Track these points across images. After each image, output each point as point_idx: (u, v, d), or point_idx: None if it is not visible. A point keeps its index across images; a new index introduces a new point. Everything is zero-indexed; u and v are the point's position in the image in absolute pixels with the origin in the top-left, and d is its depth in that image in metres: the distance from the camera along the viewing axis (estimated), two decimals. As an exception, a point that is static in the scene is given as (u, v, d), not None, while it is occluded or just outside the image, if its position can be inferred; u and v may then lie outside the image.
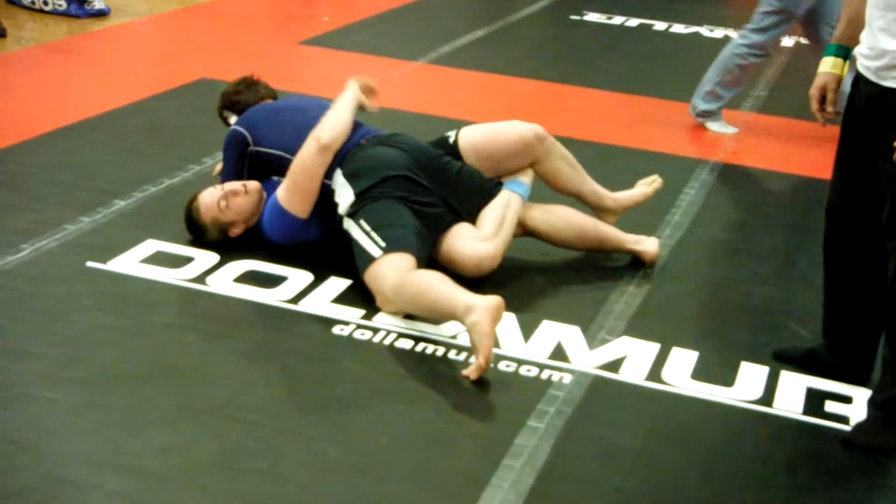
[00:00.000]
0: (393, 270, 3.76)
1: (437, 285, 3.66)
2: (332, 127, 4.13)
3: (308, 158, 4.06)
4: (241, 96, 4.61)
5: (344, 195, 4.05)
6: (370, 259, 3.84)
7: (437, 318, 3.73)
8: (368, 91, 4.37)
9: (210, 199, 4.18)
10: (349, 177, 4.06)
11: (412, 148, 4.18)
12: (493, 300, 3.49)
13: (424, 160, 4.15)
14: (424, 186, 4.07)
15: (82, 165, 4.99)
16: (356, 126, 4.27)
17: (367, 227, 3.90)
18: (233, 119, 4.56)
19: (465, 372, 3.47)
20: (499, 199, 4.20)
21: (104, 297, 3.83)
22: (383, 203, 3.97)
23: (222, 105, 4.67)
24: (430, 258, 4.01)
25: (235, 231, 4.20)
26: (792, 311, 4.05)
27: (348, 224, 3.99)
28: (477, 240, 4.06)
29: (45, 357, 3.44)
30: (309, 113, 4.25)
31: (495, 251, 4.04)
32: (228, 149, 4.34)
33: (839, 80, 3.40)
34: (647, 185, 4.57)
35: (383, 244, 3.84)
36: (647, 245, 4.31)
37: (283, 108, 4.40)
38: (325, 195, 4.09)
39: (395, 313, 3.80)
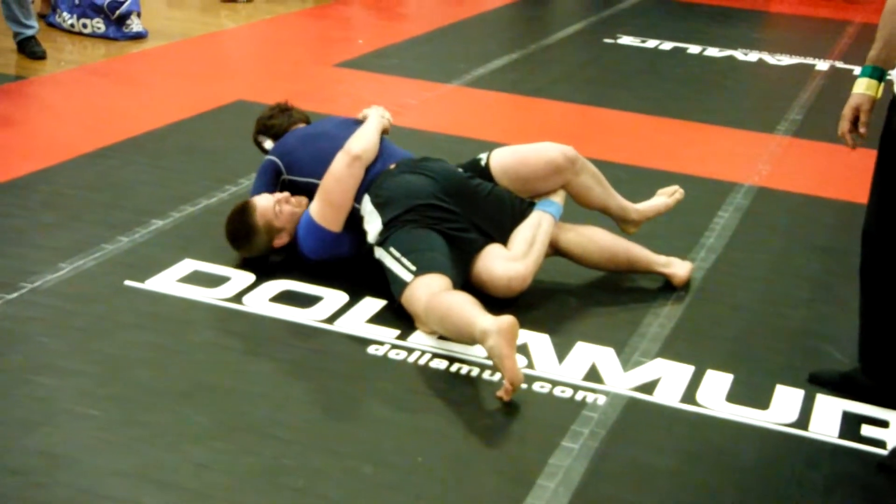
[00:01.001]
0: (424, 292, 3.78)
1: (459, 308, 3.65)
2: (361, 140, 4.20)
3: (339, 171, 4.11)
4: (274, 121, 4.67)
5: (372, 223, 4.07)
6: (403, 284, 3.86)
7: (462, 341, 3.72)
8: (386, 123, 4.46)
9: (265, 202, 4.18)
10: (377, 205, 4.08)
11: (440, 174, 4.19)
12: (505, 321, 3.47)
13: (453, 185, 4.17)
14: (453, 212, 4.09)
15: (120, 185, 5.04)
16: (385, 146, 4.30)
17: (397, 254, 3.93)
18: (267, 143, 4.62)
19: (498, 393, 3.48)
20: (530, 219, 4.22)
21: (142, 315, 3.87)
22: (411, 230, 4.00)
23: (257, 130, 4.73)
24: (464, 281, 4.03)
25: (280, 241, 4.20)
26: (828, 334, 4.04)
27: (379, 253, 4.02)
28: (507, 260, 4.07)
29: (84, 374, 3.48)
30: (340, 141, 4.27)
31: (525, 271, 4.06)
32: (261, 175, 4.38)
33: (873, 101, 3.39)
34: (668, 196, 4.61)
35: (414, 267, 3.87)
36: (678, 268, 4.32)
37: (315, 136, 4.42)
38: (355, 218, 4.13)
39: (431, 334, 3.83)
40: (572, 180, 4.37)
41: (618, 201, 4.49)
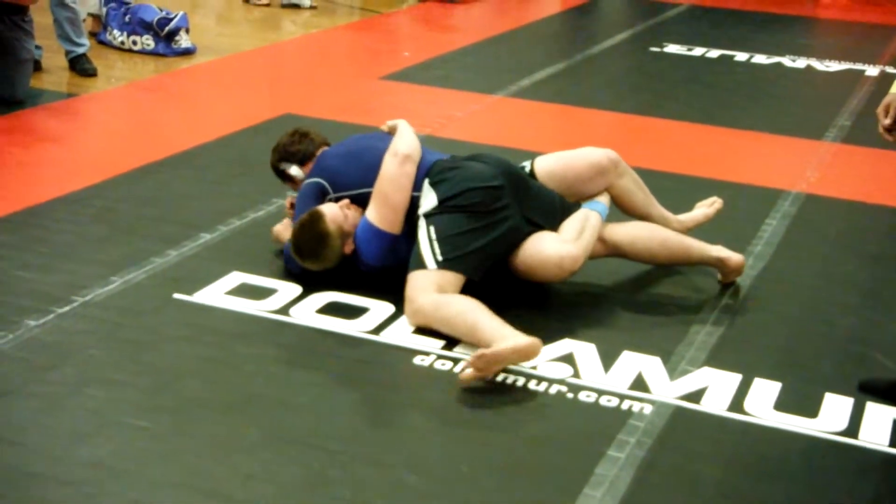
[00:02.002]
0: (437, 286, 3.89)
1: (479, 311, 3.78)
2: (405, 140, 4.25)
3: (393, 172, 4.15)
4: (297, 146, 4.58)
5: (428, 198, 4.12)
6: (422, 266, 3.94)
7: (467, 340, 3.78)
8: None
9: (332, 208, 4.15)
10: (434, 184, 4.13)
11: (497, 162, 4.25)
12: (530, 341, 3.62)
13: (509, 174, 4.21)
14: (506, 198, 4.11)
15: (170, 199, 5.10)
16: (425, 149, 4.34)
17: (434, 236, 3.99)
18: (293, 170, 4.55)
19: (465, 373, 3.57)
20: (577, 213, 4.26)
21: (191, 328, 3.91)
22: (459, 218, 4.03)
23: (279, 159, 4.61)
24: (508, 268, 4.12)
25: (349, 248, 4.16)
26: (877, 341, 4.01)
27: (421, 225, 4.07)
28: (558, 241, 4.10)
29: (134, 386, 3.52)
30: (381, 148, 4.30)
31: (577, 251, 4.08)
32: (306, 199, 4.30)
33: None
34: (707, 206, 4.63)
35: (440, 258, 3.93)
36: (732, 255, 4.31)
37: (357, 151, 4.42)
38: (411, 220, 4.16)
39: (417, 325, 3.90)
40: (615, 183, 4.39)
41: (659, 210, 4.51)
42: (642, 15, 10.33)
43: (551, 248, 4.07)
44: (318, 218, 4.11)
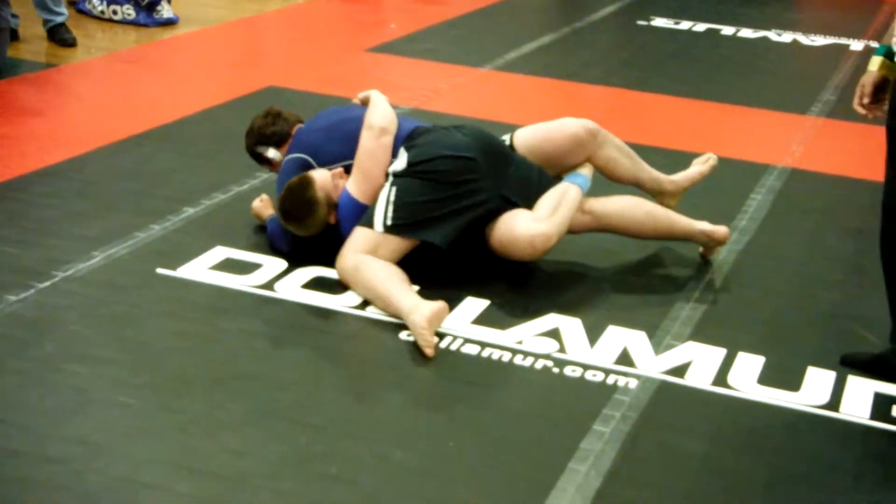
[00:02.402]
0: (371, 248, 3.95)
1: (391, 278, 3.86)
2: (380, 113, 4.25)
3: (371, 146, 4.15)
4: (272, 128, 4.53)
5: (399, 159, 4.13)
6: (369, 224, 3.99)
7: (379, 306, 3.85)
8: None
9: (323, 175, 4.15)
10: (409, 148, 4.14)
11: (475, 134, 4.24)
12: (435, 306, 3.68)
13: (487, 146, 4.20)
14: (478, 172, 4.09)
15: (152, 173, 5.07)
16: (401, 118, 4.35)
17: (392, 198, 4.01)
18: (270, 152, 4.52)
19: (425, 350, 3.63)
20: (556, 187, 4.23)
21: (174, 303, 3.90)
22: (423, 184, 4.04)
23: (255, 142, 4.56)
24: (483, 245, 4.12)
25: (333, 218, 4.16)
26: (860, 316, 4.02)
27: (387, 182, 4.09)
28: (530, 219, 4.08)
29: (118, 362, 3.50)
30: (361, 117, 4.30)
31: (548, 230, 4.05)
32: (289, 175, 4.25)
33: (883, 79, 3.49)
34: (702, 164, 4.63)
35: (389, 222, 3.97)
36: (718, 227, 4.31)
37: (333, 123, 4.40)
38: None
39: (342, 280, 4.00)
40: (596, 153, 4.37)
41: (650, 173, 4.49)
42: (628, -13, 10.29)
43: (523, 227, 4.05)
44: (307, 183, 4.10)
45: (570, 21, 8.72)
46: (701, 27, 8.59)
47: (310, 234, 4.17)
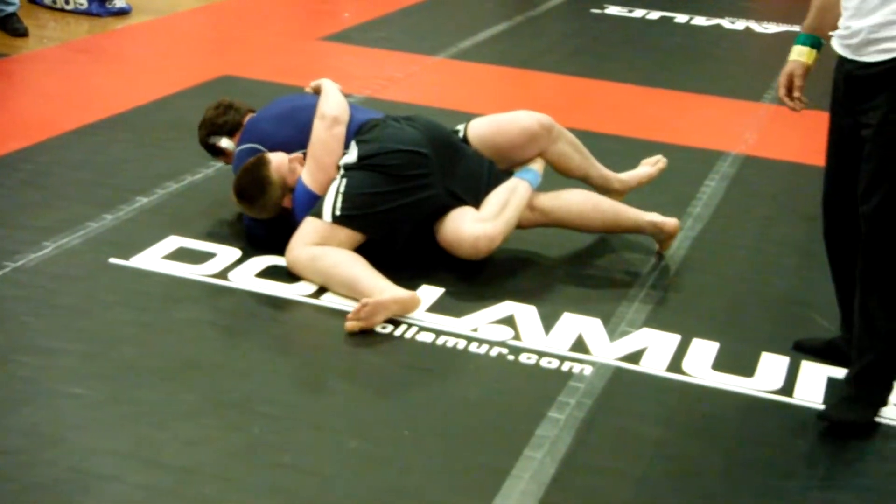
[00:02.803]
0: (322, 239, 3.93)
1: (357, 264, 3.86)
2: (333, 102, 4.24)
3: (323, 136, 4.14)
4: (225, 118, 4.51)
5: (350, 153, 4.12)
6: (318, 215, 3.97)
7: (344, 293, 3.84)
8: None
9: (280, 158, 4.14)
10: (359, 142, 4.13)
11: (426, 127, 4.23)
12: (410, 294, 3.73)
13: (437, 140, 4.19)
14: (428, 166, 4.09)
15: (105, 163, 5.02)
16: (354, 108, 4.35)
17: (342, 189, 4.00)
18: (224, 142, 4.50)
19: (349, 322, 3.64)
20: (505, 184, 4.22)
21: (127, 293, 3.86)
22: (373, 177, 4.03)
23: (208, 133, 4.53)
24: (431, 243, 4.10)
25: (288, 202, 4.14)
26: (813, 302, 4.04)
27: (338, 175, 4.07)
28: (475, 220, 4.07)
29: (69, 353, 3.47)
30: (313, 105, 4.30)
31: (493, 231, 4.04)
32: (244, 161, 4.23)
33: (806, 67, 3.48)
34: (651, 165, 4.63)
35: (337, 213, 3.95)
36: (667, 219, 4.30)
37: (285, 112, 4.39)
38: None
39: (294, 272, 3.96)
40: (549, 148, 4.36)
41: (599, 170, 4.49)
42: (583, -24, 10.30)
43: (468, 228, 4.04)
44: (262, 163, 4.10)
45: (524, 9, 8.71)
46: (654, 15, 8.62)
47: (264, 217, 4.16)
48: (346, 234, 3.97)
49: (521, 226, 4.21)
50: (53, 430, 3.08)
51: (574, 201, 4.30)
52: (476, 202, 4.15)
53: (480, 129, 4.37)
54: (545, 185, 4.34)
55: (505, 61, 7.10)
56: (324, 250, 3.91)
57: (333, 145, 4.14)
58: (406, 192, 4.03)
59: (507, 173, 4.29)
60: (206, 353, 3.53)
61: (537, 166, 4.33)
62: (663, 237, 4.30)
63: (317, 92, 4.40)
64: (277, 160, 4.12)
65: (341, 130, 4.17)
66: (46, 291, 3.83)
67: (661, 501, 2.98)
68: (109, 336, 3.58)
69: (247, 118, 4.50)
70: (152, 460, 2.98)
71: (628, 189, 4.54)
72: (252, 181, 4.08)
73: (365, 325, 3.63)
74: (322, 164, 4.11)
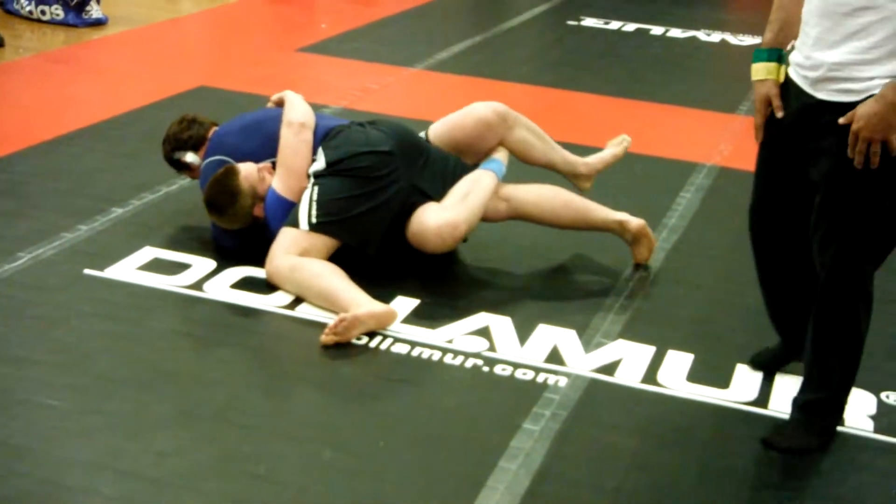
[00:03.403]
0: (301, 248, 3.94)
1: (335, 276, 3.85)
2: (298, 109, 4.27)
3: (292, 142, 4.17)
4: (189, 132, 4.48)
5: (318, 160, 4.13)
6: (295, 224, 3.98)
7: (322, 305, 3.84)
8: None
9: (249, 168, 4.14)
10: (326, 148, 4.14)
11: (390, 128, 4.25)
12: (386, 308, 3.74)
13: (403, 141, 4.21)
14: (394, 164, 4.10)
15: (80, 173, 5.00)
16: (319, 115, 4.39)
17: (315, 197, 4.01)
18: (189, 156, 4.47)
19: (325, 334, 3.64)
20: (468, 175, 4.24)
21: (101, 304, 3.84)
22: (344, 181, 4.04)
23: (172, 148, 4.50)
24: (406, 253, 4.12)
25: (259, 211, 4.14)
26: (787, 312, 4.05)
27: (308, 184, 4.09)
28: (438, 210, 4.09)
29: (43, 363, 3.45)
30: (278, 117, 4.32)
31: (455, 218, 4.05)
32: (210, 175, 4.21)
33: (779, 84, 3.22)
34: (616, 145, 4.64)
35: (314, 220, 3.96)
36: (633, 217, 4.31)
37: (249, 124, 4.39)
38: None
39: (273, 283, 3.95)
40: (507, 136, 4.38)
41: (563, 156, 4.50)
42: (559, -12, 10.34)
43: (431, 218, 4.05)
44: (231, 173, 4.10)
45: (500, 21, 8.74)
46: (630, 27, 8.65)
47: (235, 227, 4.16)
48: (323, 241, 3.97)
49: (488, 218, 4.23)
50: (26, 441, 3.06)
51: (545, 196, 4.31)
52: (442, 197, 4.16)
53: (439, 129, 4.41)
54: (515, 178, 4.35)
55: (481, 72, 7.12)
56: (303, 261, 3.90)
57: (303, 150, 4.15)
58: (377, 193, 4.05)
59: (474, 167, 4.31)
60: (180, 364, 3.52)
61: (501, 156, 4.35)
62: (629, 237, 4.31)
63: (280, 104, 4.41)
64: (246, 169, 4.12)
65: (309, 135, 4.20)
66: (20, 302, 3.82)
67: (635, 512, 2.99)
68: (83, 347, 3.57)
69: (211, 132, 4.49)
70: (125, 471, 2.96)
71: (595, 172, 4.55)
72: (221, 191, 4.08)
73: (340, 339, 3.63)
74: (292, 169, 4.12)
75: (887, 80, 2.86)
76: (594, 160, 4.58)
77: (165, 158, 4.57)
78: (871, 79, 2.90)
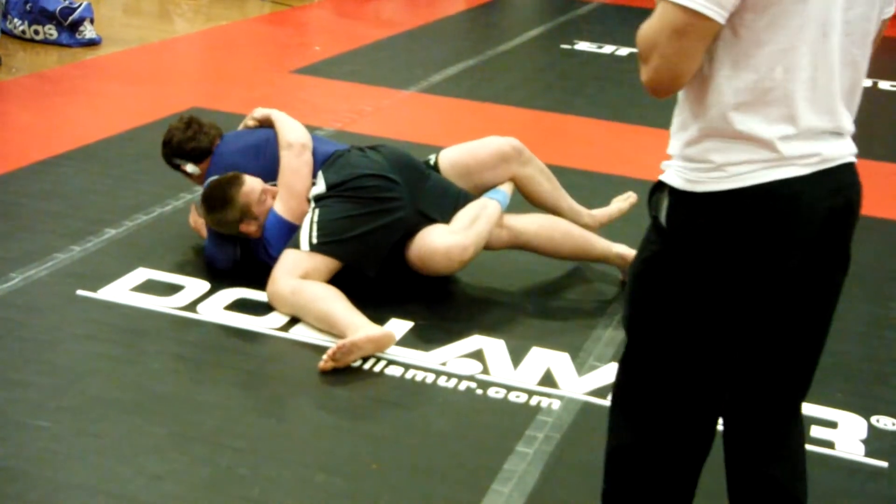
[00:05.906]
0: (303, 270, 3.94)
1: (334, 300, 3.84)
2: (293, 130, 4.30)
3: (293, 164, 4.20)
4: (193, 143, 4.45)
5: (318, 184, 4.16)
6: (296, 246, 3.99)
7: (321, 328, 3.84)
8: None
9: (255, 184, 4.14)
10: (326, 172, 4.17)
11: (392, 154, 4.28)
12: (384, 332, 3.73)
13: (402, 165, 4.23)
14: (397, 189, 4.12)
15: (73, 194, 5.00)
16: (323, 143, 4.42)
17: (315, 218, 4.03)
18: (188, 167, 4.47)
19: (324, 360, 3.62)
20: (474, 202, 4.25)
21: (94, 325, 3.84)
22: (345, 203, 4.06)
23: (174, 154, 4.49)
24: (401, 262, 4.12)
25: (248, 229, 4.14)
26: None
27: (310, 207, 4.12)
28: (447, 232, 4.09)
29: (36, 385, 3.44)
30: (276, 139, 4.34)
31: (465, 241, 4.06)
32: None
33: None
34: (622, 201, 4.65)
35: (314, 241, 3.98)
36: (633, 250, 4.32)
37: (251, 145, 4.39)
38: None
39: (274, 305, 3.96)
40: (519, 171, 4.40)
41: (569, 203, 4.51)
42: (554, 12, 10.40)
43: (439, 240, 4.06)
44: (236, 183, 4.13)
45: (494, 44, 8.77)
46: (624, 51, 8.68)
47: (219, 230, 4.18)
48: (324, 262, 3.98)
49: (489, 246, 4.23)
50: (19, 464, 3.05)
51: (543, 225, 4.32)
52: (445, 221, 4.17)
53: (452, 155, 4.43)
54: (515, 212, 4.35)
55: (475, 96, 7.14)
56: (304, 284, 3.91)
57: (304, 171, 4.18)
58: (380, 214, 4.06)
59: (476, 196, 4.32)
60: (173, 386, 3.51)
61: (506, 188, 4.37)
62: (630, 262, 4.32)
63: (264, 122, 4.42)
64: (250, 185, 4.13)
65: (310, 157, 4.24)
66: (13, 323, 3.81)
67: (628, 536, 2.98)
68: (76, 369, 3.56)
69: (216, 143, 4.47)
70: (118, 494, 2.95)
71: (599, 225, 4.56)
72: (219, 195, 4.12)
73: (339, 365, 3.62)
74: (294, 190, 4.14)
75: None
76: (599, 214, 4.59)
77: (163, 157, 4.57)
78: None
